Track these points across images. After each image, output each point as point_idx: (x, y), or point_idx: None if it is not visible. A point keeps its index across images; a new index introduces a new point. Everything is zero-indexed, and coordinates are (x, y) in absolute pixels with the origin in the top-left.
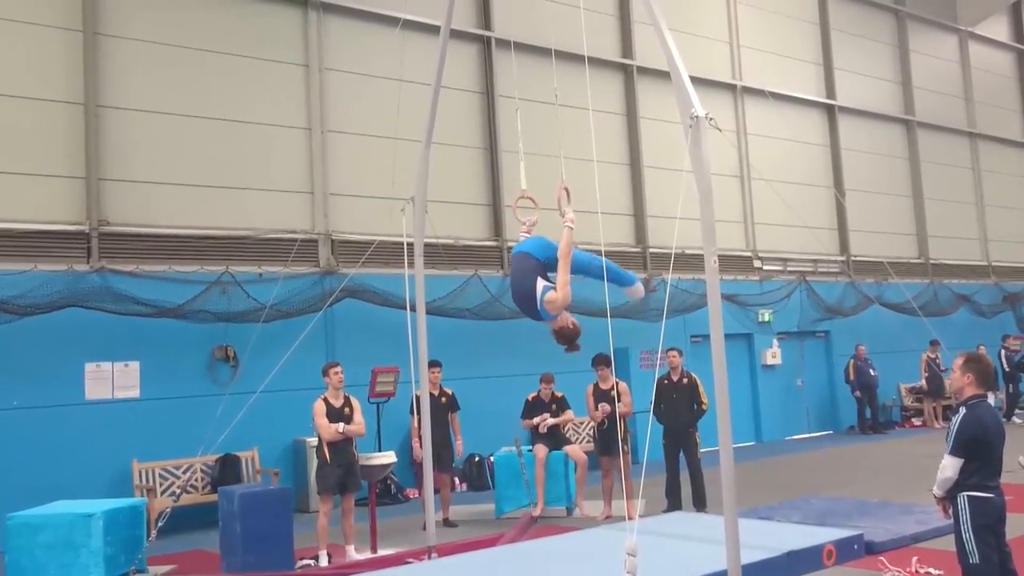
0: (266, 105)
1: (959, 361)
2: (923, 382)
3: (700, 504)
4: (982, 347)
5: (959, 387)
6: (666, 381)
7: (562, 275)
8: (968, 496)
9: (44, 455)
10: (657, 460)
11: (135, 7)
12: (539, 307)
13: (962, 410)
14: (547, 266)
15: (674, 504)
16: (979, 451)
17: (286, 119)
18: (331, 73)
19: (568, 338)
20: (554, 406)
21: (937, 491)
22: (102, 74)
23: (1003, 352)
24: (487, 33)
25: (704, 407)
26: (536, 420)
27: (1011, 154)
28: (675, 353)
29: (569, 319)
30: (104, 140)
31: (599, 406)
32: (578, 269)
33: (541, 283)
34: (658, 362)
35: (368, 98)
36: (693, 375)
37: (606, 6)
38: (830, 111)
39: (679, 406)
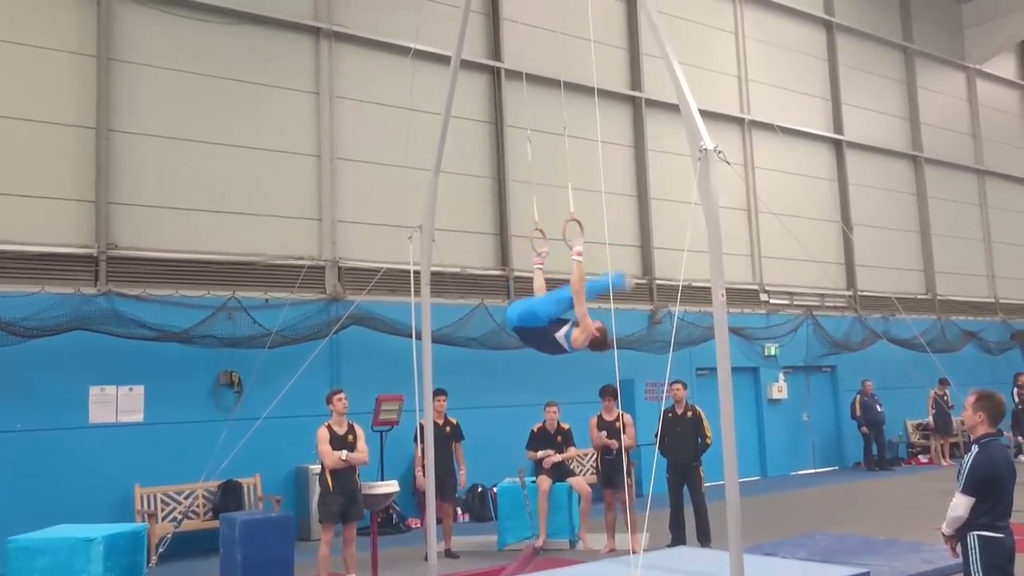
0: (276, 132)
1: (971, 399)
2: (930, 419)
3: (704, 539)
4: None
5: (971, 425)
6: (670, 414)
7: (580, 308)
8: (978, 536)
9: (46, 478)
10: (661, 493)
11: (149, 33)
12: (570, 350)
13: (975, 448)
14: (553, 321)
15: (678, 538)
16: (991, 490)
17: (296, 146)
18: (341, 101)
19: (601, 343)
20: (559, 438)
21: (947, 529)
22: (114, 99)
23: (1016, 391)
24: (497, 64)
25: (709, 441)
26: (540, 455)
27: (1018, 191)
28: (679, 386)
29: (592, 327)
30: (114, 164)
31: (604, 439)
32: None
33: (561, 333)
34: (664, 395)
35: (378, 126)
36: (697, 408)
37: (615, 39)
38: (838, 146)
39: (683, 439)
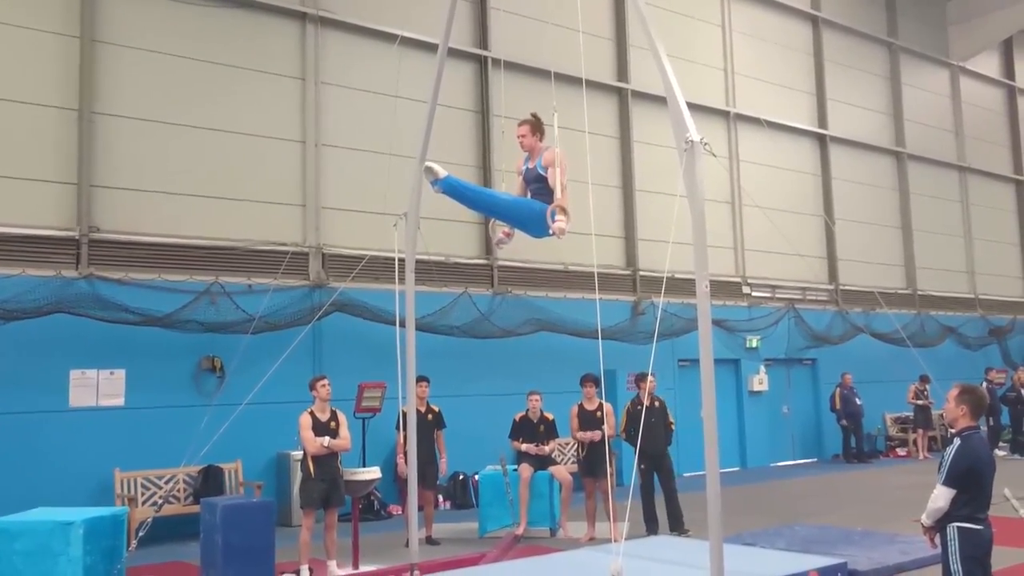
0: (261, 117)
1: (954, 392)
2: (912, 405)
3: (678, 525)
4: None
5: (953, 418)
6: (639, 406)
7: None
8: (958, 527)
9: (25, 462)
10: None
11: (134, 15)
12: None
13: (956, 441)
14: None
15: (653, 529)
16: (972, 483)
17: (281, 131)
18: (327, 87)
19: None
20: (542, 427)
21: (926, 520)
22: (97, 81)
23: (986, 385)
24: (484, 53)
25: (672, 427)
26: (524, 447)
27: (999, 189)
28: (652, 377)
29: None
30: (97, 147)
31: (588, 433)
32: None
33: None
34: (647, 386)
35: (363, 113)
36: (660, 398)
37: (603, 30)
38: (822, 140)
39: (656, 430)
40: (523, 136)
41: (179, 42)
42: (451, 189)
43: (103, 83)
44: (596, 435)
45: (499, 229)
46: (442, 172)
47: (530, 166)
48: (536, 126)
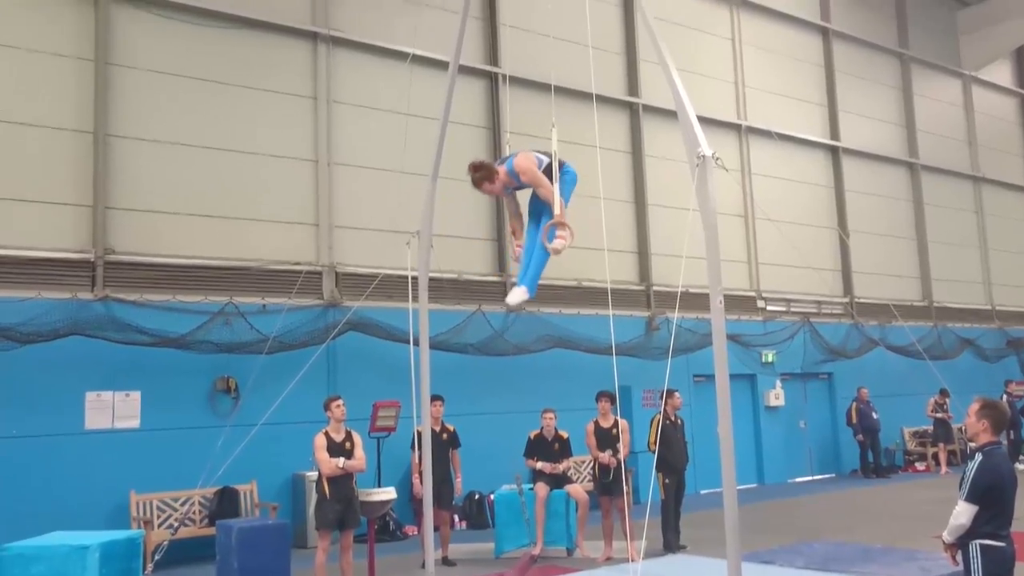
0: (274, 136)
1: (975, 406)
2: (932, 419)
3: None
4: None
5: (974, 432)
6: (668, 421)
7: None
8: (981, 544)
9: (41, 485)
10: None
11: (147, 38)
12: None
13: (978, 456)
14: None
15: (671, 547)
16: (994, 499)
17: (293, 151)
18: (339, 106)
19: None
20: (557, 446)
21: (948, 537)
22: (112, 103)
23: (1006, 398)
24: (494, 69)
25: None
26: (539, 466)
27: (1014, 198)
28: (678, 394)
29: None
30: (112, 169)
31: (606, 456)
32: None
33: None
34: (663, 403)
35: (375, 131)
36: (679, 415)
37: (613, 45)
38: (834, 152)
39: (681, 447)
40: (491, 189)
41: (192, 64)
42: (533, 281)
43: (117, 105)
44: (613, 461)
45: (516, 245)
46: (519, 294)
47: (507, 181)
48: (484, 173)
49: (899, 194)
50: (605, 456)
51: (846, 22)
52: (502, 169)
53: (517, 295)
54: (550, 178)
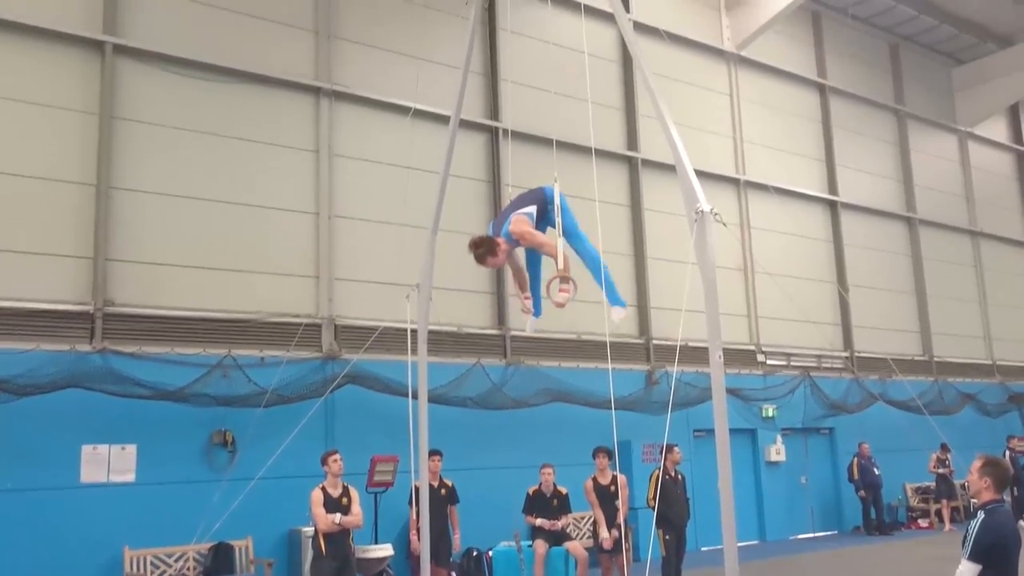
0: (275, 189)
1: (978, 464)
2: (935, 475)
3: None
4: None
5: (977, 490)
6: (667, 477)
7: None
8: None
9: (35, 539)
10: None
11: (152, 91)
12: (506, 227)
13: (980, 514)
14: (544, 214)
15: None
16: (998, 558)
17: (294, 203)
18: (340, 159)
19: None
20: (556, 501)
21: None
22: (115, 155)
23: (1008, 453)
24: (495, 123)
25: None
26: (538, 523)
27: (1013, 253)
28: (678, 449)
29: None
30: (113, 220)
31: (608, 535)
32: (589, 258)
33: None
34: (663, 458)
35: (376, 184)
36: (680, 471)
37: (612, 100)
38: (832, 207)
39: (681, 502)
40: (495, 262)
41: (194, 117)
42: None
43: (120, 157)
44: (614, 535)
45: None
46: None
47: (508, 249)
48: (486, 248)
49: (898, 248)
50: (608, 541)
51: (843, 79)
52: (501, 240)
53: (618, 314)
54: (542, 221)
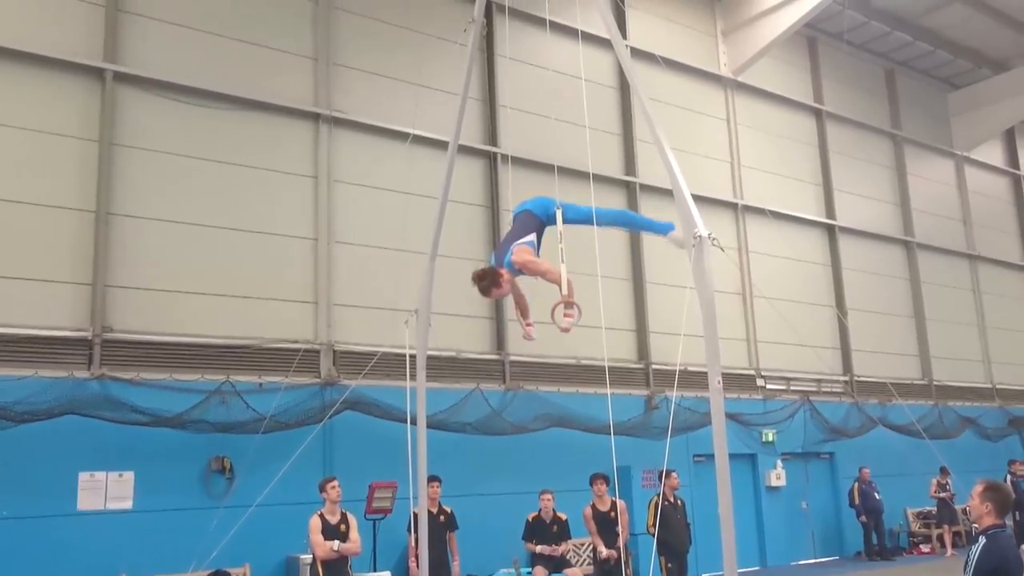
0: (274, 215)
1: (979, 488)
2: (936, 499)
3: None
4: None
5: (978, 515)
6: (667, 502)
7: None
8: None
9: (32, 567)
10: None
11: (151, 118)
12: (508, 256)
13: (982, 540)
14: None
15: None
16: None
17: (293, 229)
18: (339, 185)
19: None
20: (555, 528)
21: None
22: (115, 182)
23: (1009, 478)
24: (494, 149)
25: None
26: (538, 549)
27: (1011, 276)
28: (676, 474)
29: (536, 268)
30: (112, 247)
31: (610, 553)
32: (612, 222)
33: (520, 243)
34: (662, 484)
35: (375, 210)
36: (680, 496)
37: (610, 125)
38: (830, 231)
39: (682, 528)
40: (500, 293)
41: (194, 143)
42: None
43: (120, 184)
44: (613, 556)
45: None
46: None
47: (511, 279)
48: (490, 280)
49: (896, 272)
50: (610, 554)
51: (839, 104)
52: (504, 271)
53: (675, 235)
54: (541, 235)
